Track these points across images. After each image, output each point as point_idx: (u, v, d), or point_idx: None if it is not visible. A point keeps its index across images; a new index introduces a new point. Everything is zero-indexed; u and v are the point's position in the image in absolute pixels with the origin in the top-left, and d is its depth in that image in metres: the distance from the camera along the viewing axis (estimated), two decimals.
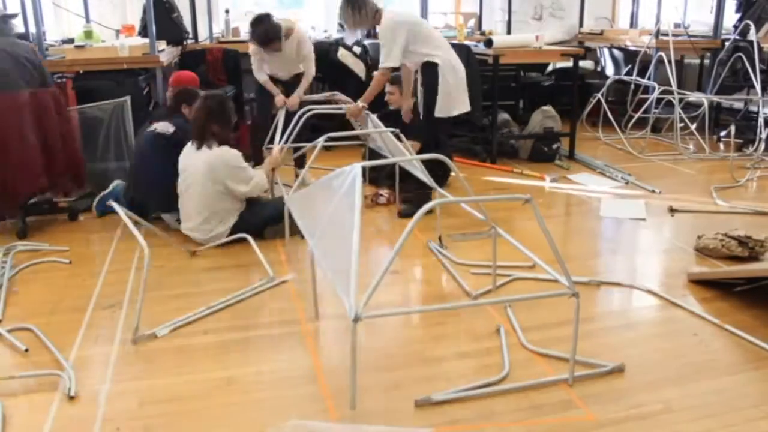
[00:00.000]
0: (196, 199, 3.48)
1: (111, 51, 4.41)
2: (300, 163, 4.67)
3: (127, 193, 3.93)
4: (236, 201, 3.55)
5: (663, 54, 5.81)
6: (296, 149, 4.30)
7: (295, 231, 3.35)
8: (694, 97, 5.86)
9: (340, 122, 4.72)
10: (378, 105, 4.47)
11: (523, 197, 2.11)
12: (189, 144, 3.56)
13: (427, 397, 2.13)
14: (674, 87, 5.70)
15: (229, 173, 3.45)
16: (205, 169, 3.43)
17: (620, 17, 7.83)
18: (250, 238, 3.46)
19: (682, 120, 5.70)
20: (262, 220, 3.60)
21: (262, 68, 4.48)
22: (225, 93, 5.52)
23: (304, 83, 4.53)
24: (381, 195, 4.25)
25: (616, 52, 6.79)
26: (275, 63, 4.48)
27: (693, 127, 5.69)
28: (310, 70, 4.54)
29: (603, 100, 6.22)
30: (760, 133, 5.26)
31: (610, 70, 6.88)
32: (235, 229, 3.53)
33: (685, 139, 5.77)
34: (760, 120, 5.31)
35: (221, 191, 3.46)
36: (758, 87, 5.46)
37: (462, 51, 5.19)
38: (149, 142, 3.72)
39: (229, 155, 3.47)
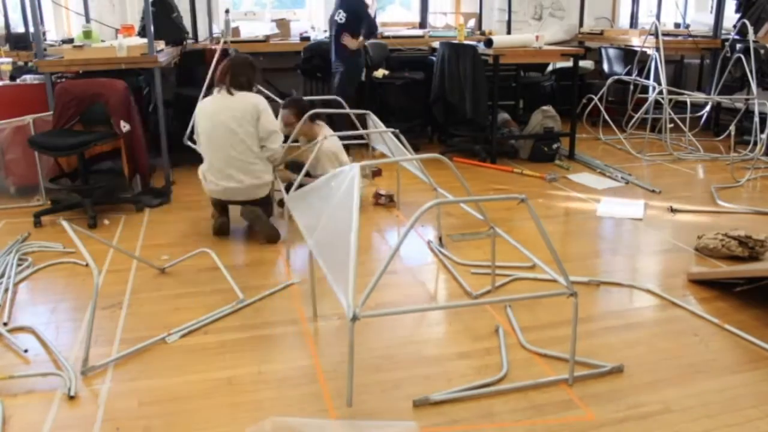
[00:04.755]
0: (232, 145, 3.49)
1: (109, 51, 4.40)
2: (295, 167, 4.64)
3: None
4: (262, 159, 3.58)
5: (656, 54, 5.81)
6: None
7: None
8: (686, 96, 5.87)
9: (340, 123, 4.73)
10: None
11: (519, 197, 2.11)
12: (213, 94, 3.60)
13: (425, 397, 2.13)
14: (664, 86, 5.70)
15: (260, 114, 3.50)
16: (240, 114, 3.47)
17: (620, 17, 7.83)
18: (213, 254, 3.29)
19: (675, 120, 5.71)
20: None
21: None
22: None
23: None
24: (381, 195, 4.25)
25: (616, 51, 6.80)
26: None
27: (686, 127, 5.70)
28: None
29: (599, 101, 6.23)
30: (759, 133, 5.26)
31: (610, 69, 6.88)
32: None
33: (682, 139, 5.78)
34: (756, 120, 5.32)
35: (253, 139, 3.51)
36: (754, 87, 5.47)
37: (467, 51, 5.20)
38: None
39: (259, 99, 3.56)
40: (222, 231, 3.66)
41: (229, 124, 3.46)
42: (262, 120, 3.50)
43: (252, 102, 3.51)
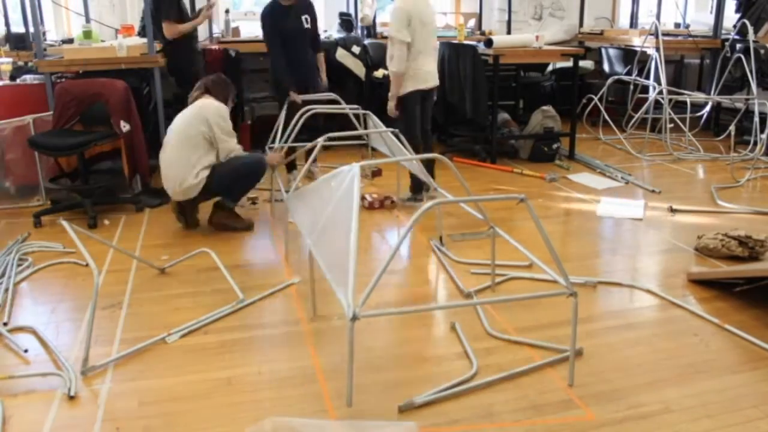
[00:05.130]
0: (173, 148, 3.61)
1: (109, 51, 4.41)
2: (290, 166, 4.65)
3: None
4: (211, 153, 3.62)
5: (656, 54, 5.81)
6: (291, 150, 4.27)
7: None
8: (686, 96, 5.87)
9: (340, 122, 4.72)
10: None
11: (518, 197, 2.11)
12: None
13: (409, 401, 2.11)
14: (664, 86, 5.70)
15: (216, 119, 3.57)
16: (190, 116, 3.60)
17: (620, 17, 7.83)
18: (214, 254, 3.30)
19: (675, 120, 5.72)
20: (234, 171, 3.65)
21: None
22: None
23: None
24: (367, 199, 4.18)
25: (616, 51, 6.80)
26: None
27: (686, 127, 5.71)
28: None
29: (599, 101, 6.23)
30: (759, 133, 5.26)
31: (610, 69, 6.89)
32: (206, 188, 3.61)
33: (683, 139, 5.78)
34: (756, 120, 5.32)
35: (199, 137, 3.56)
36: (754, 87, 5.47)
37: (467, 51, 5.20)
38: None
39: (219, 105, 3.64)
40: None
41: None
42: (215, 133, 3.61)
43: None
